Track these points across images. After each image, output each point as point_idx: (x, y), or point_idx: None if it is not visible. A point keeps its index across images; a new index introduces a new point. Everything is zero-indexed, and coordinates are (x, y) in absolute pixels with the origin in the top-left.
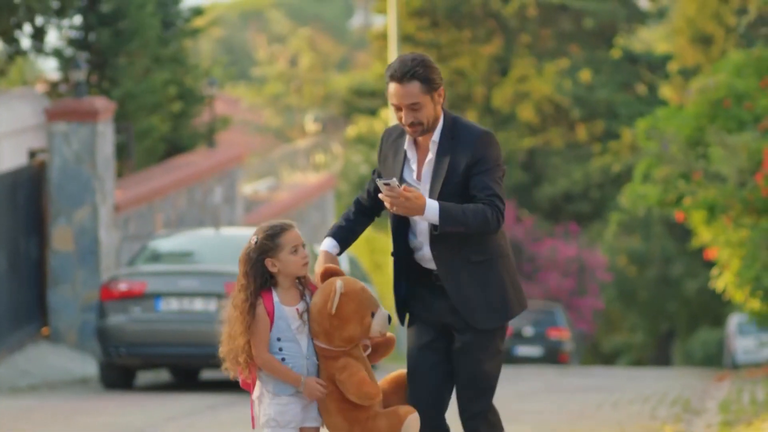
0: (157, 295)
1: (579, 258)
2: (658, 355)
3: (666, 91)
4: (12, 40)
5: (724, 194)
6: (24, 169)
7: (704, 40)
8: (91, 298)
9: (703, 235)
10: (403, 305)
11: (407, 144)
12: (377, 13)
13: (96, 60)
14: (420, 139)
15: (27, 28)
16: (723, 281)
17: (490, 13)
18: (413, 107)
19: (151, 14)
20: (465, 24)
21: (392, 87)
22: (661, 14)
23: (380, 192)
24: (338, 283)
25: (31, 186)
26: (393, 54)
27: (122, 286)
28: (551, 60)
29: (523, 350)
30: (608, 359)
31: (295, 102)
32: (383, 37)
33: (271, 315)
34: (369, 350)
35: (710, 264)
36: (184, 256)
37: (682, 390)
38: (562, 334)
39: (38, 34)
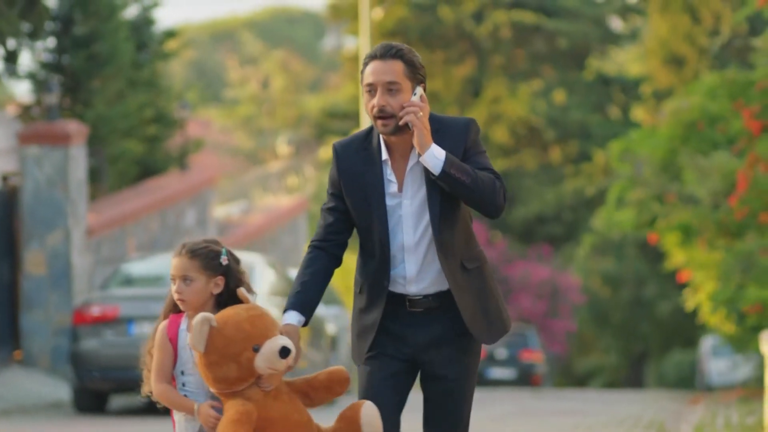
0: (129, 319)
1: (552, 280)
2: (631, 376)
3: (639, 112)
4: None
5: (698, 216)
6: None
7: (677, 62)
8: (64, 322)
9: (677, 256)
10: (363, 340)
11: (384, 152)
12: (349, 34)
13: (69, 83)
14: (394, 141)
15: None
16: (695, 301)
17: (463, 34)
18: (390, 87)
19: (125, 38)
20: (438, 45)
21: (371, 66)
22: (633, 35)
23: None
24: (199, 316)
25: (3, 210)
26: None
27: (95, 310)
28: (525, 81)
29: (495, 372)
30: (581, 381)
31: (268, 124)
32: (355, 58)
33: (173, 342)
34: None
35: (683, 286)
36: (156, 279)
37: (656, 413)
38: (535, 357)
39: (10, 57)
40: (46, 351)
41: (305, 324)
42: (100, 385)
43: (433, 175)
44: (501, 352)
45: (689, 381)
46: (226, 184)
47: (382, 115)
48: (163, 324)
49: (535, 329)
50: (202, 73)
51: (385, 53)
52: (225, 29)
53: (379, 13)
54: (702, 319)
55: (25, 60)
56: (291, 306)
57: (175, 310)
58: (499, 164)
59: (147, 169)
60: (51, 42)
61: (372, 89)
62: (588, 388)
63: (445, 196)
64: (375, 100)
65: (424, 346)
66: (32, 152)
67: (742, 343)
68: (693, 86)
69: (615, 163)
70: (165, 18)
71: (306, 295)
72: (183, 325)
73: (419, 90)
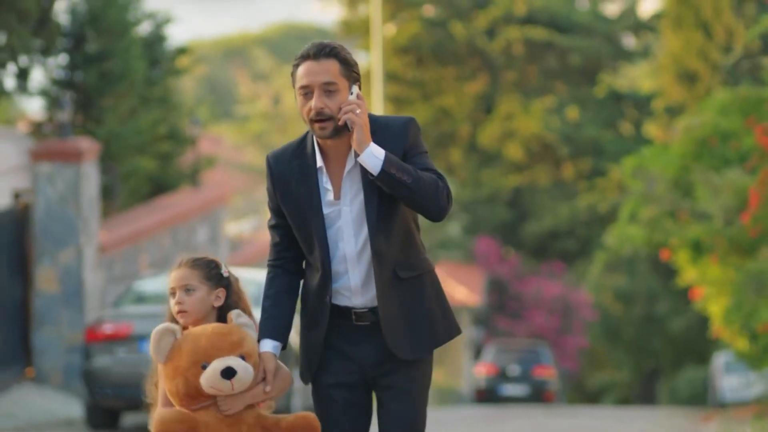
0: (142, 337)
1: (564, 296)
2: (643, 393)
3: (651, 128)
4: None
5: (710, 233)
6: (8, 210)
7: (689, 78)
8: (76, 340)
9: (689, 273)
10: (309, 360)
11: (318, 158)
12: (361, 50)
13: (81, 100)
14: (330, 145)
15: (11, 67)
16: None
17: (476, 51)
18: (327, 88)
19: (137, 55)
20: (450, 61)
21: (303, 67)
22: (645, 52)
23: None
24: (161, 326)
25: (15, 227)
26: (377, 92)
27: (107, 328)
28: (537, 97)
29: (508, 389)
30: (593, 397)
31: (279, 140)
32: (367, 75)
33: None
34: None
35: (695, 302)
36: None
37: (669, 430)
38: (548, 373)
39: (22, 74)
40: (58, 368)
41: (284, 347)
42: (112, 403)
43: (372, 175)
44: (513, 368)
45: (702, 397)
46: (237, 201)
47: (320, 117)
48: None
49: (547, 345)
50: (214, 90)
51: (318, 52)
52: (236, 46)
53: (391, 29)
54: (714, 336)
55: (37, 77)
56: (262, 334)
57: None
58: (511, 180)
59: (159, 186)
60: (63, 59)
61: (308, 91)
62: (601, 405)
63: (384, 201)
64: (312, 103)
65: (372, 364)
66: (44, 169)
67: (756, 360)
68: (705, 103)
69: (627, 180)
70: (177, 35)
71: (275, 320)
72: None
73: (355, 89)
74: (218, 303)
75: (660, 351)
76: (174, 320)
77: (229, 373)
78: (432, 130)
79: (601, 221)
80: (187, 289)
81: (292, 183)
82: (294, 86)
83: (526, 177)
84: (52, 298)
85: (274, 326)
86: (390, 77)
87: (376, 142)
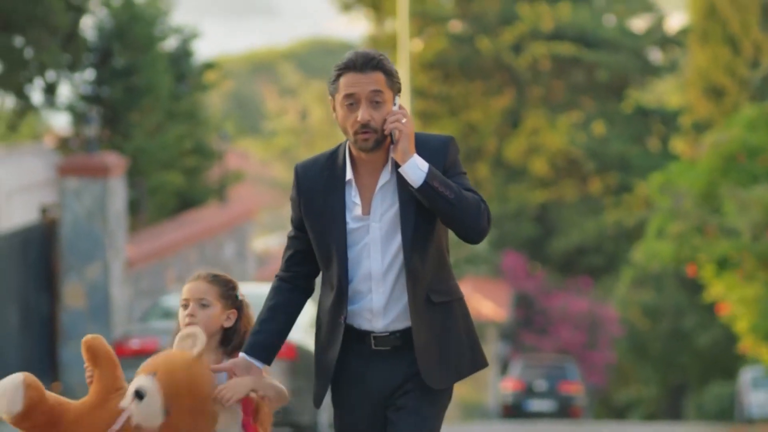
0: None
1: (591, 312)
2: (671, 408)
3: (678, 144)
4: (23, 96)
5: (737, 248)
6: (35, 226)
7: (717, 93)
8: None
9: (716, 288)
10: (321, 384)
11: (349, 171)
12: None
13: (108, 115)
14: (364, 158)
15: (38, 82)
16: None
17: (502, 66)
18: (375, 98)
19: (163, 70)
20: (477, 76)
21: (348, 78)
22: (672, 67)
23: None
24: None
25: (42, 242)
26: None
27: (134, 343)
28: (564, 112)
29: (535, 405)
30: (620, 413)
31: (306, 155)
32: None
33: None
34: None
35: (723, 317)
36: None
37: None
38: (575, 388)
39: (50, 89)
40: (85, 384)
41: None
42: None
43: (413, 187)
44: (540, 384)
45: (729, 413)
46: (264, 216)
47: (365, 129)
48: None
49: (574, 361)
50: (241, 105)
51: (366, 64)
52: (263, 61)
53: (418, 44)
54: (742, 351)
55: (64, 92)
56: (243, 350)
57: None
58: (538, 196)
59: (186, 201)
60: (90, 74)
61: (353, 101)
62: (628, 421)
63: (421, 217)
64: (359, 114)
65: (391, 389)
66: (71, 185)
67: None
68: (733, 118)
69: (655, 196)
70: (204, 49)
71: (262, 336)
72: None
73: (398, 100)
74: (228, 324)
75: (687, 366)
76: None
77: (137, 394)
78: (459, 145)
79: (627, 237)
80: (203, 304)
81: (318, 195)
82: (332, 96)
83: (553, 192)
84: (79, 313)
85: (257, 342)
86: (417, 92)
87: None
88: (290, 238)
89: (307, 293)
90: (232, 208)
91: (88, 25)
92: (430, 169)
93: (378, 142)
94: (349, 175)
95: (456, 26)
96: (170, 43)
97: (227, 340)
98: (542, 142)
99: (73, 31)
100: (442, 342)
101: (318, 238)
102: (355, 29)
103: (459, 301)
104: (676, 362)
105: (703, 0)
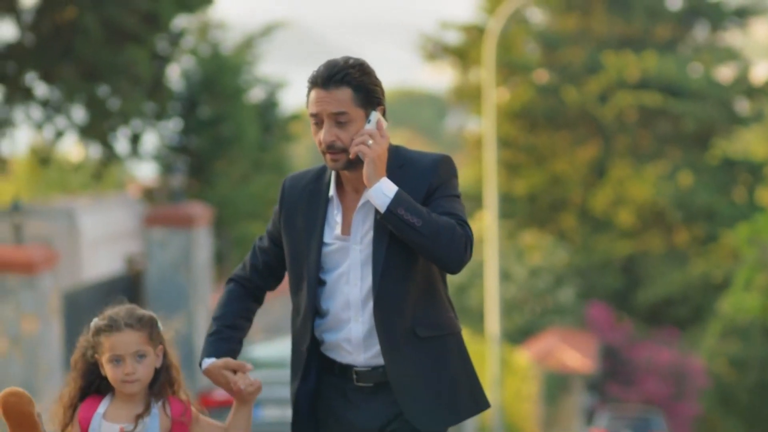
0: (256, 403)
1: (677, 363)
2: None
3: (765, 195)
4: (107, 145)
5: None
6: (120, 276)
7: None
8: None
9: None
10: (298, 417)
11: (332, 187)
12: (474, 115)
13: (194, 164)
14: (348, 175)
15: (123, 132)
16: None
17: (588, 116)
18: (338, 119)
19: (250, 120)
20: (563, 126)
21: (313, 94)
22: (758, 116)
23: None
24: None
25: (127, 292)
26: (490, 157)
27: (220, 394)
28: (650, 162)
29: None
30: None
31: None
32: (478, 142)
33: (84, 429)
34: None
35: None
36: (281, 363)
37: None
38: None
39: (134, 139)
40: None
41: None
42: None
43: (379, 213)
44: None
45: None
46: None
47: (331, 150)
48: (79, 407)
49: (660, 412)
50: None
51: (328, 80)
52: None
53: (503, 94)
54: None
55: (149, 141)
56: (210, 352)
57: (93, 389)
58: (623, 247)
59: None
60: (176, 124)
61: (317, 121)
62: None
63: (395, 243)
64: (321, 135)
65: (376, 429)
66: (157, 235)
67: None
68: None
69: (742, 247)
70: (290, 100)
71: (228, 341)
72: (101, 409)
73: (375, 115)
74: (158, 363)
75: None
76: (86, 388)
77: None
78: (544, 196)
79: (714, 288)
80: (139, 356)
81: (299, 209)
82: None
83: (639, 243)
84: None
85: (223, 347)
86: (502, 143)
87: (400, 176)
88: (261, 249)
89: (260, 303)
90: None
91: (175, 75)
92: (396, 195)
93: (350, 162)
94: (331, 191)
95: (542, 76)
96: (257, 94)
97: (154, 381)
98: (628, 193)
99: (158, 81)
100: (431, 380)
101: (292, 257)
102: (440, 79)
103: (454, 336)
104: (763, 414)
105: None
